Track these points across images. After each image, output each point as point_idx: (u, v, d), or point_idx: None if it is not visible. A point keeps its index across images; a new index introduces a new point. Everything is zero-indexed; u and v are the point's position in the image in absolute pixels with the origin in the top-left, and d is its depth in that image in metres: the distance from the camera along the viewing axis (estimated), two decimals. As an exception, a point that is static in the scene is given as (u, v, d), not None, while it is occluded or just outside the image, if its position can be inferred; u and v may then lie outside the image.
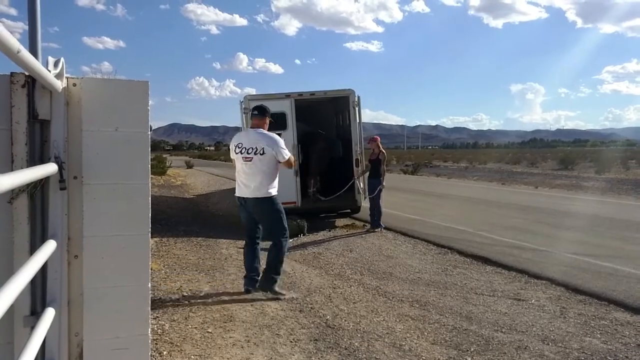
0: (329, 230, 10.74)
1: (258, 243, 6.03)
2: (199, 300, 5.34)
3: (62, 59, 1.99)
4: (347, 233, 10.47)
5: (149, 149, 2.27)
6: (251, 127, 6.05)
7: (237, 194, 5.88)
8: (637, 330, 4.99)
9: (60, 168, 2.02)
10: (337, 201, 12.24)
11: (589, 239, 9.68)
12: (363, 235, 10.13)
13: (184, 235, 9.06)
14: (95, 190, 2.15)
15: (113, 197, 2.18)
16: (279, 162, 5.81)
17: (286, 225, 5.92)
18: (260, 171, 5.66)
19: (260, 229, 5.97)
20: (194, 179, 26.82)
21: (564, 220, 12.14)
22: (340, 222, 11.81)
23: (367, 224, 11.17)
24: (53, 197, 2.07)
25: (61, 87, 2.02)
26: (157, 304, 5.10)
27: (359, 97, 11.39)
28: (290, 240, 9.50)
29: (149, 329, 2.29)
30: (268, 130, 5.95)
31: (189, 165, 42.99)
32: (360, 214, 11.72)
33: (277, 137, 5.92)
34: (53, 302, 2.04)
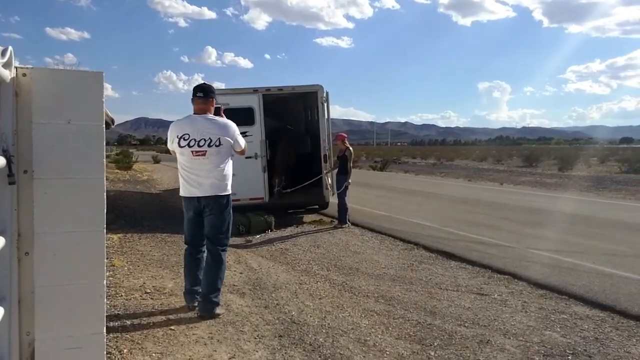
0: (297, 226, 10.73)
1: (203, 251, 5.09)
2: (162, 297, 5.25)
3: (10, 48, 1.90)
4: (314, 229, 10.46)
5: (104, 143, 2.20)
6: (196, 113, 4.93)
7: (186, 193, 4.92)
8: (595, 323, 5.12)
9: (9, 162, 1.93)
10: (305, 197, 12.22)
11: (551, 234, 9.90)
12: (330, 231, 10.14)
13: (149, 231, 8.91)
14: (46, 185, 2.07)
15: (66, 193, 2.10)
16: (235, 152, 5.10)
17: (230, 234, 5.15)
18: (217, 165, 4.83)
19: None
20: (161, 174, 26.41)
21: (528, 217, 12.39)
22: (308, 218, 11.80)
23: (334, 220, 11.19)
24: (1, 192, 1.98)
25: (9, 77, 1.93)
26: (119, 301, 5.00)
27: (327, 93, 11.34)
28: (258, 236, 9.49)
29: (104, 328, 2.23)
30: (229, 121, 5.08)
31: (156, 160, 42.37)
32: (328, 210, 11.73)
33: (231, 122, 5.05)
34: (3, 300, 1.96)
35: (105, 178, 2.22)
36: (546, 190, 19.98)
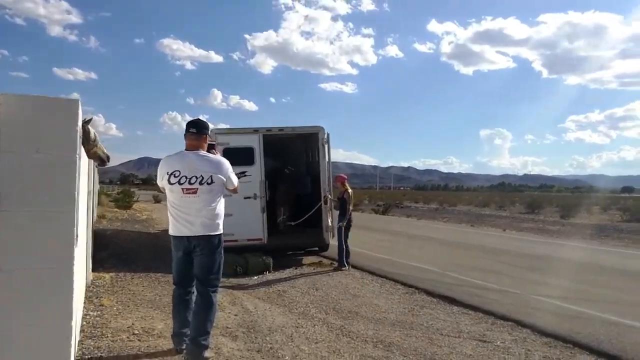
0: (296, 268, 10.48)
1: (193, 292, 4.81)
2: (150, 339, 5.00)
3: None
4: (313, 271, 10.23)
5: (77, 174, 2.06)
6: (187, 149, 4.72)
7: (175, 232, 4.69)
8: (601, 374, 4.88)
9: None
10: (305, 238, 12.03)
11: (555, 281, 9.65)
12: (330, 274, 9.91)
13: (142, 271, 8.69)
14: (11, 218, 1.91)
15: (32, 227, 1.94)
16: (227, 190, 4.86)
17: (221, 275, 4.91)
18: (208, 204, 4.60)
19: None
20: (160, 214, 26.15)
21: (531, 263, 12.16)
22: (307, 259, 11.57)
23: (334, 262, 10.97)
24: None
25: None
26: (104, 342, 4.76)
27: (328, 135, 11.30)
28: (255, 278, 9.26)
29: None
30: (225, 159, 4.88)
31: (157, 200, 42.18)
32: (329, 252, 11.51)
33: (224, 159, 4.85)
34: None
35: (76, 211, 2.07)
36: (549, 237, 19.72)
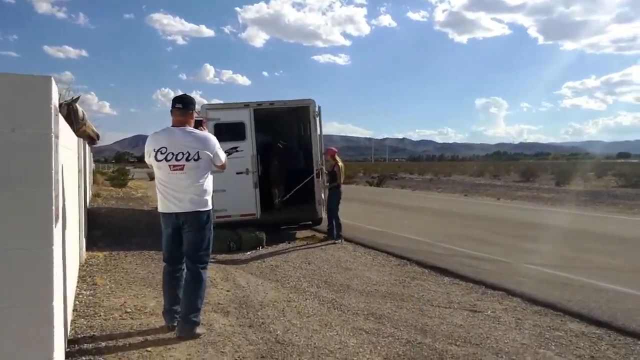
0: (289, 243, 10.53)
1: (183, 269, 4.82)
2: (142, 317, 5.04)
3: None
4: (307, 245, 10.28)
5: (53, 153, 2.04)
6: (174, 125, 4.71)
7: (163, 209, 4.70)
8: (591, 341, 4.95)
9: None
10: (297, 213, 12.06)
11: (547, 249, 9.72)
12: (323, 247, 9.97)
13: (136, 249, 8.70)
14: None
15: (9, 207, 1.94)
16: (215, 166, 4.88)
17: (211, 251, 4.93)
18: (195, 180, 4.61)
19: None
20: (155, 191, 26.18)
21: (524, 231, 12.24)
22: (300, 234, 11.61)
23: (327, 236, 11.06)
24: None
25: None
26: (97, 321, 4.80)
27: (319, 108, 11.23)
28: (248, 253, 9.30)
29: (54, 354, 2.04)
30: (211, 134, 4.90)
31: (152, 178, 42.12)
32: (321, 226, 11.55)
33: (210, 135, 4.87)
34: None
35: (54, 191, 2.05)
36: (543, 205, 19.82)
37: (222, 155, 4.89)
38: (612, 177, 38.99)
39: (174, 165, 4.55)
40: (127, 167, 51.47)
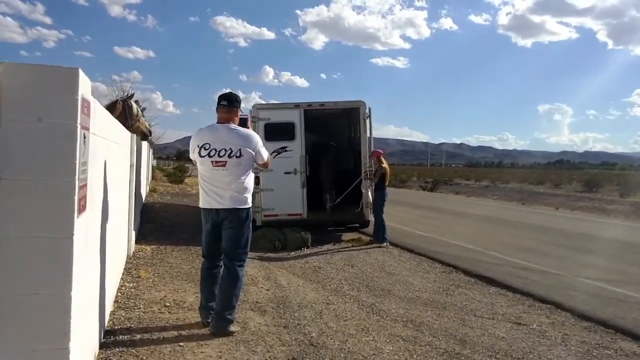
0: (334, 244, 10.48)
1: (221, 265, 4.88)
2: (179, 311, 5.12)
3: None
4: (352, 247, 10.20)
5: (77, 143, 2.08)
6: (218, 122, 4.79)
7: (204, 205, 4.76)
8: (642, 362, 4.65)
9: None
10: (344, 214, 12.01)
11: (604, 263, 9.25)
12: (368, 251, 9.86)
13: (184, 244, 8.89)
14: (12, 186, 1.97)
15: (32, 196, 1.99)
16: (257, 164, 4.91)
17: (249, 249, 4.93)
18: (237, 177, 4.64)
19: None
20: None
21: (580, 243, 11.70)
22: (346, 236, 11.53)
23: (373, 239, 10.95)
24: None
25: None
26: (135, 313, 4.91)
27: (370, 109, 11.14)
28: (293, 253, 9.32)
29: (69, 343, 2.08)
30: (250, 130, 4.94)
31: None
32: (368, 228, 11.44)
33: (253, 133, 4.90)
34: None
35: (77, 181, 2.09)
36: (604, 217, 18.91)
37: (265, 154, 4.92)
38: (684, 189, 36.72)
39: (216, 162, 4.60)
40: (186, 165, 52.90)
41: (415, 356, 4.56)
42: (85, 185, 2.42)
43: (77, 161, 2.09)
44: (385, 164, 10.65)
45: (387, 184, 10.68)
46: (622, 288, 7.29)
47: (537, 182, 51.43)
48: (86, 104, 2.30)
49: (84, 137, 2.27)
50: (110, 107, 7.33)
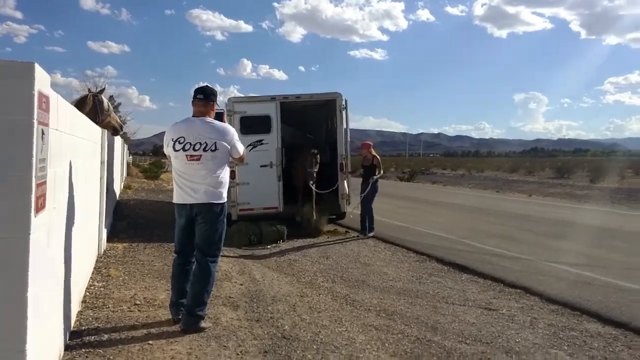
0: (310, 237, 10.49)
1: (193, 262, 4.79)
2: (150, 309, 5.07)
3: None
4: (327, 239, 10.24)
5: (33, 139, 2.05)
6: (194, 116, 4.74)
7: (178, 200, 4.69)
8: (606, 342, 4.79)
9: None
10: (321, 207, 12.00)
11: (573, 247, 9.47)
12: (343, 242, 9.93)
13: (157, 241, 8.80)
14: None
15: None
16: (232, 158, 4.89)
17: (222, 245, 4.88)
18: (212, 171, 4.59)
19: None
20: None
21: (551, 229, 11.95)
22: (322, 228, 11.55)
23: (349, 230, 11.01)
24: None
25: None
26: (104, 312, 4.85)
27: (346, 101, 11.14)
28: (269, 247, 9.31)
29: (26, 345, 2.05)
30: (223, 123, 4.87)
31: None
32: (344, 220, 11.49)
33: (229, 126, 4.86)
34: None
35: (34, 178, 2.06)
36: (575, 202, 19.30)
37: (240, 148, 4.89)
38: (652, 174, 37.68)
39: (191, 155, 4.55)
40: (162, 160, 52.32)
41: (387, 345, 4.61)
42: (45, 182, 2.39)
43: (34, 158, 2.06)
44: (376, 155, 10.81)
45: (381, 173, 10.82)
46: (590, 271, 7.47)
47: (511, 170, 52.18)
48: (44, 99, 2.26)
49: (42, 133, 2.24)
50: (80, 103, 7.21)
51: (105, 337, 4.21)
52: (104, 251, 7.51)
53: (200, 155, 4.55)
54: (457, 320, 5.34)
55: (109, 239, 8.25)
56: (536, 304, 6.00)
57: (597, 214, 15.23)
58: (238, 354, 4.15)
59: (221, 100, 11.79)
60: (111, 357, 3.82)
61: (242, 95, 16.56)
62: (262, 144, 10.85)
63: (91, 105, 7.39)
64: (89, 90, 11.18)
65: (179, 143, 4.58)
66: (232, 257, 8.22)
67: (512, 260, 8.29)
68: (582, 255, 8.73)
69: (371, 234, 10.43)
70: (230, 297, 5.81)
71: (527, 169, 52.52)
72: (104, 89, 8.86)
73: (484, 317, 5.50)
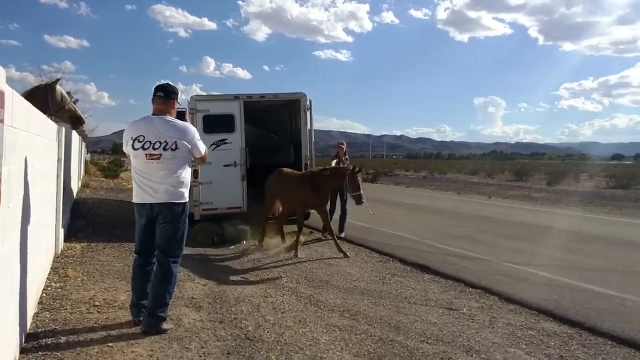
0: (273, 237, 10.43)
1: (154, 262, 4.69)
2: (109, 311, 4.95)
3: None
4: (292, 240, 10.19)
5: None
6: (154, 114, 4.63)
7: (138, 200, 4.59)
8: (562, 340, 4.93)
9: None
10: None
11: (532, 248, 9.72)
12: (308, 243, 9.91)
13: (117, 241, 8.60)
14: None
15: None
16: (194, 158, 4.81)
17: (184, 245, 4.81)
18: (172, 171, 4.51)
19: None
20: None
21: (510, 230, 12.24)
22: (287, 228, 11.51)
23: (313, 231, 11.01)
24: None
25: None
26: (61, 314, 4.71)
27: (310, 101, 11.11)
28: (232, 247, 9.21)
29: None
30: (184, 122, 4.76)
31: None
32: (308, 221, 11.46)
33: (190, 125, 4.79)
34: None
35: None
36: (533, 204, 19.84)
37: (202, 147, 4.81)
38: (604, 178, 39.10)
39: (151, 154, 4.46)
40: (122, 159, 51.20)
41: (350, 345, 4.62)
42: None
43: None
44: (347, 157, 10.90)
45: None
46: (547, 272, 7.69)
47: (472, 173, 53.28)
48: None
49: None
50: (30, 94, 6.85)
51: (63, 339, 4.09)
52: (62, 251, 7.30)
53: (160, 155, 4.47)
54: (420, 320, 5.41)
55: (66, 239, 8.02)
56: (495, 304, 6.14)
57: (553, 215, 15.68)
58: (201, 356, 4.10)
59: (183, 98, 11.61)
60: (68, 361, 3.71)
61: (204, 94, 16.24)
62: (225, 143, 10.71)
63: (41, 96, 6.98)
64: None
65: (139, 142, 4.49)
66: (194, 257, 8.11)
67: (472, 260, 8.46)
68: (539, 256, 8.97)
69: (342, 234, 10.49)
70: (193, 298, 5.74)
71: (487, 171, 53.73)
72: (59, 79, 8.43)
73: (445, 316, 5.58)
